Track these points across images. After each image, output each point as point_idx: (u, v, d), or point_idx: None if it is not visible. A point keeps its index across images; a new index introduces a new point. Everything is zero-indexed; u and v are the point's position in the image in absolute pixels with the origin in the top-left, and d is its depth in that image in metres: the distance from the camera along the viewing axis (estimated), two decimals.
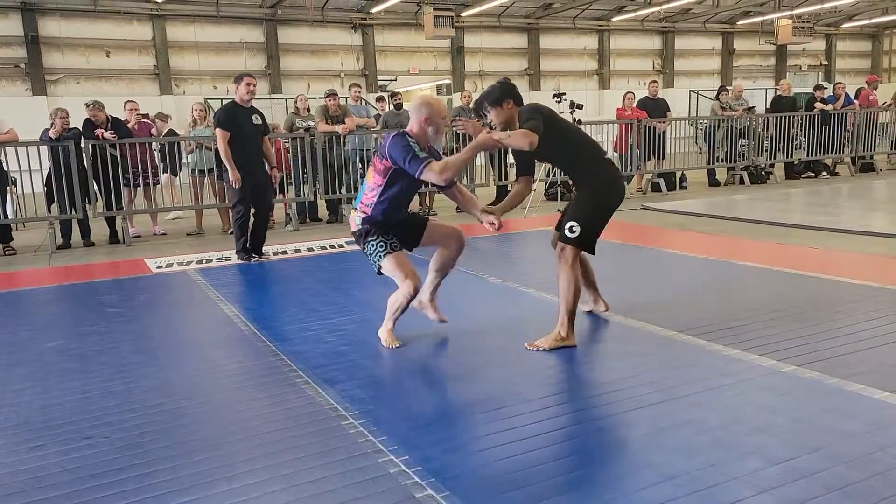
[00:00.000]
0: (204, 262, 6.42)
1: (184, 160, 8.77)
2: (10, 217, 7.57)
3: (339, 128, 8.67)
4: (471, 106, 9.59)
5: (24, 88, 14.89)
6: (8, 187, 7.45)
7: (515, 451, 2.45)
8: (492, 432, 2.60)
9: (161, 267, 6.27)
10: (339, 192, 8.94)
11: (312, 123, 8.80)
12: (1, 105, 8.01)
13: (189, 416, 2.88)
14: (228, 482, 2.33)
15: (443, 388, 3.33)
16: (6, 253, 7.23)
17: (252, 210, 6.40)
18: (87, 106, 7.66)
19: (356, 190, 8.96)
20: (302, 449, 2.53)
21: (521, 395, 2.94)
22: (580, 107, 8.78)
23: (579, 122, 8.95)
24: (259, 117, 6.32)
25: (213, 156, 8.16)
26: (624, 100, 10.65)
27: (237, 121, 6.14)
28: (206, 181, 8.36)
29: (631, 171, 10.61)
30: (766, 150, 11.68)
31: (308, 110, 9.05)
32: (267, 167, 6.44)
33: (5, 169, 7.39)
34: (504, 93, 3.58)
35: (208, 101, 13.46)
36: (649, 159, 10.70)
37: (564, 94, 8.88)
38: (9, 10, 14.46)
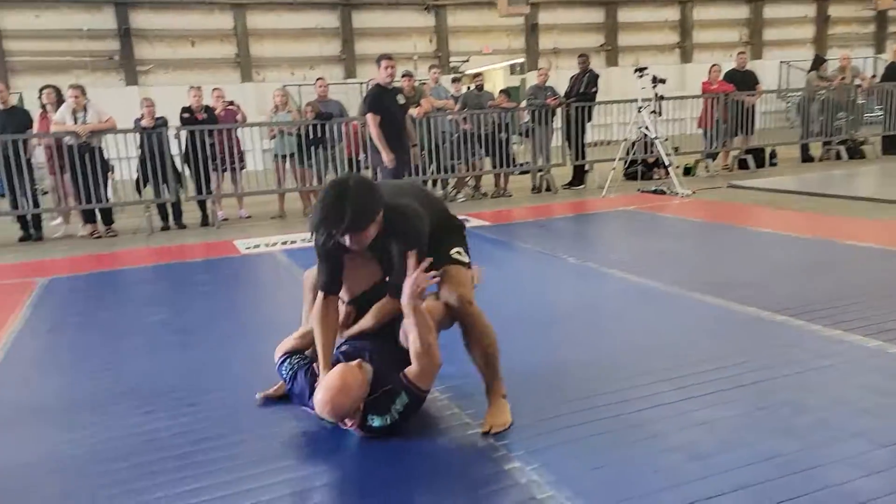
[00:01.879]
0: (288, 243, 6.62)
1: (266, 145, 9.04)
2: (111, 201, 8.02)
3: (413, 111, 8.72)
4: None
5: (118, 79, 15.64)
6: (108, 173, 7.86)
7: (609, 424, 2.44)
8: (576, 409, 2.60)
9: (249, 248, 6.51)
10: (418, 175, 9.01)
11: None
12: (97, 96, 8.45)
13: None
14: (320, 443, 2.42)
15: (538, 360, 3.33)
16: (109, 235, 7.68)
17: None
18: (192, 88, 8.11)
19: (444, 171, 9.03)
20: None
21: (611, 376, 2.92)
22: (663, 81, 8.50)
23: (662, 97, 8.70)
24: (402, 97, 6.43)
25: (294, 141, 8.41)
26: (710, 73, 10.26)
27: (384, 103, 6.30)
28: (286, 165, 8.60)
29: (716, 147, 10.24)
30: (868, 123, 10.99)
31: None
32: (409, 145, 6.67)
33: (105, 156, 7.81)
34: (375, 201, 2.32)
35: (286, 87, 13.79)
36: (736, 135, 10.28)
37: (646, 68, 8.61)
38: (102, 5, 15.21)
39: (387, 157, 6.50)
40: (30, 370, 3.45)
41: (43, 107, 7.96)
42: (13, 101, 8.04)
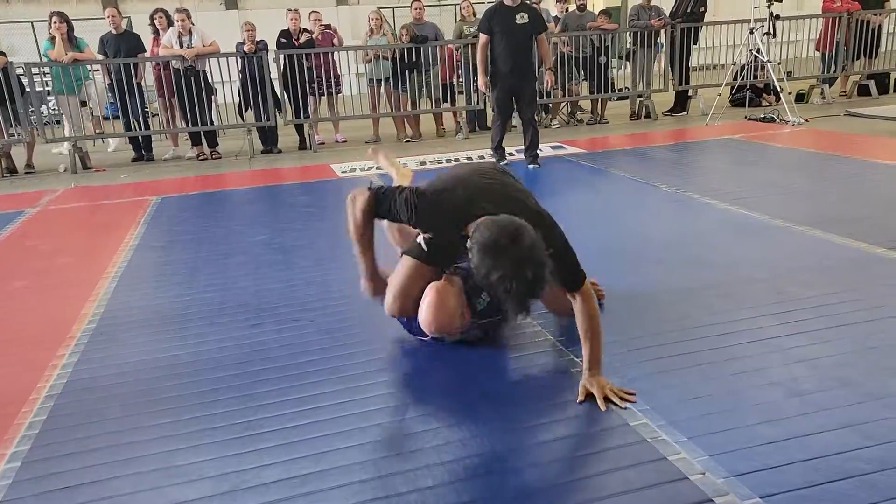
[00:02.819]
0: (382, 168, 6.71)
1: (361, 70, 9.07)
2: (215, 124, 8.33)
3: None
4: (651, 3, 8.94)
5: (219, 3, 15.95)
6: (213, 96, 8.14)
7: (707, 356, 2.41)
8: (673, 340, 2.57)
9: (345, 172, 6.66)
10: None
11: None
12: (199, 20, 8.67)
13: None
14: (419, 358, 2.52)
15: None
16: (213, 157, 8.02)
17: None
18: (289, 11, 8.20)
19: (540, 96, 8.81)
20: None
21: (710, 308, 2.86)
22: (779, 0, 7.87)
23: (777, 17, 8.07)
24: (526, 15, 6.03)
25: (389, 65, 8.38)
26: None
27: (495, 22, 6.07)
28: (381, 90, 8.61)
29: (835, 71, 9.48)
30: None
31: (474, 15, 8.88)
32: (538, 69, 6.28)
33: (209, 80, 8.07)
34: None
35: (381, 10, 13.66)
36: (858, 58, 9.47)
37: None
38: None
39: (480, 82, 6.40)
40: (148, 281, 3.72)
41: (156, 31, 8.24)
42: (123, 25, 8.36)
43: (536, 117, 9.22)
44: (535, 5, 6.49)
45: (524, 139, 6.36)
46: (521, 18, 6.03)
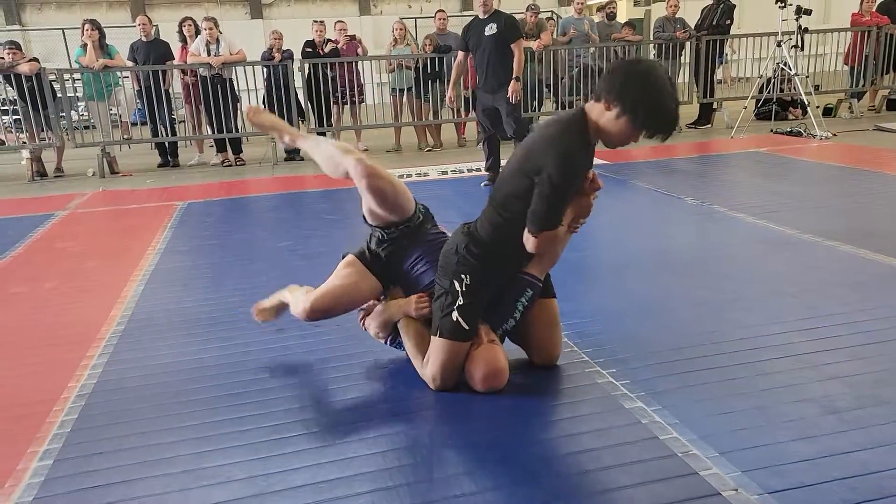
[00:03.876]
0: (405, 176, 6.75)
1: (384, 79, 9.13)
2: (239, 131, 8.42)
3: (533, 44, 8.49)
4: (675, 16, 8.92)
5: (244, 13, 16.17)
6: (238, 104, 8.23)
7: (736, 371, 2.38)
8: (701, 354, 2.53)
9: None
10: (533, 111, 8.85)
11: None
12: (224, 29, 8.80)
13: None
14: None
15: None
16: (237, 163, 8.10)
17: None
18: (314, 22, 8.30)
19: (562, 107, 8.82)
20: None
21: (739, 323, 2.82)
22: (808, 12, 7.81)
23: (805, 29, 8.01)
24: (494, 26, 5.83)
25: (412, 75, 8.43)
26: (862, 2, 9.31)
27: (469, 37, 5.96)
28: (403, 100, 8.66)
29: (864, 85, 9.37)
30: None
31: None
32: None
33: (235, 88, 8.16)
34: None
35: (403, 20, 13.78)
36: (887, 72, 9.36)
37: None
38: None
39: (448, 92, 6.29)
40: (175, 285, 3.75)
41: (183, 39, 8.35)
42: (153, 33, 8.48)
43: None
44: (512, 13, 6.05)
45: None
46: (490, 30, 5.83)
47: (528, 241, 2.23)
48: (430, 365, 2.35)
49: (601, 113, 2.14)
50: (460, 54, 6.17)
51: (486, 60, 5.88)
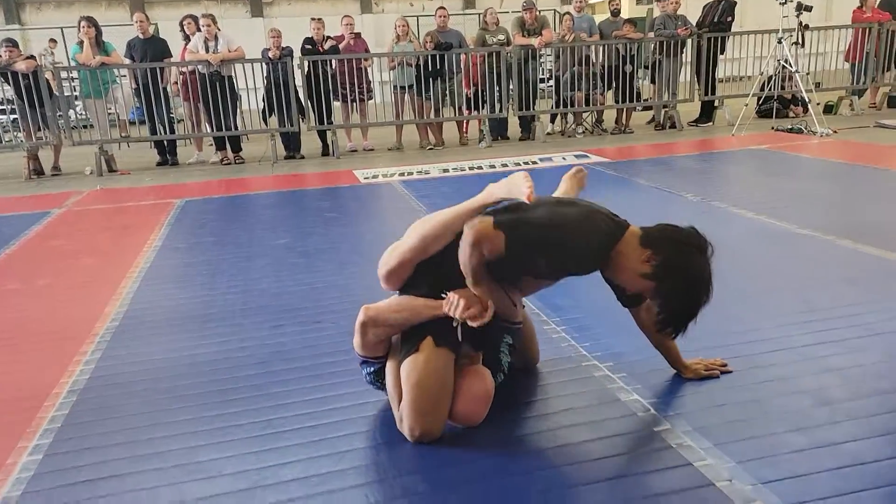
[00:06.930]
0: (406, 174, 6.74)
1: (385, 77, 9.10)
2: (239, 129, 8.41)
3: (535, 41, 8.48)
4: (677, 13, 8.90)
5: (245, 11, 16.17)
6: (237, 102, 8.22)
7: (732, 364, 2.36)
8: (697, 347, 2.52)
9: (368, 178, 6.68)
10: (534, 108, 8.83)
11: (503, 38, 8.66)
12: (224, 27, 8.79)
13: None
14: None
15: None
16: (236, 162, 8.09)
17: None
18: (312, 20, 8.24)
19: (563, 104, 8.80)
20: None
21: (736, 317, 2.81)
22: (809, 9, 7.78)
23: (806, 26, 7.98)
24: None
25: (413, 72, 8.41)
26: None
27: None
28: (405, 97, 8.64)
29: (865, 83, 9.34)
30: None
31: (497, 24, 8.87)
32: None
33: (235, 86, 8.14)
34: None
35: (405, 17, 13.77)
36: (888, 69, 9.33)
37: None
38: None
39: None
40: (171, 281, 3.75)
41: (186, 37, 8.28)
42: (151, 31, 8.47)
43: (561, 125, 9.24)
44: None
45: None
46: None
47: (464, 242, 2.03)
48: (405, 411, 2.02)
49: (636, 257, 2.00)
50: None
51: None
